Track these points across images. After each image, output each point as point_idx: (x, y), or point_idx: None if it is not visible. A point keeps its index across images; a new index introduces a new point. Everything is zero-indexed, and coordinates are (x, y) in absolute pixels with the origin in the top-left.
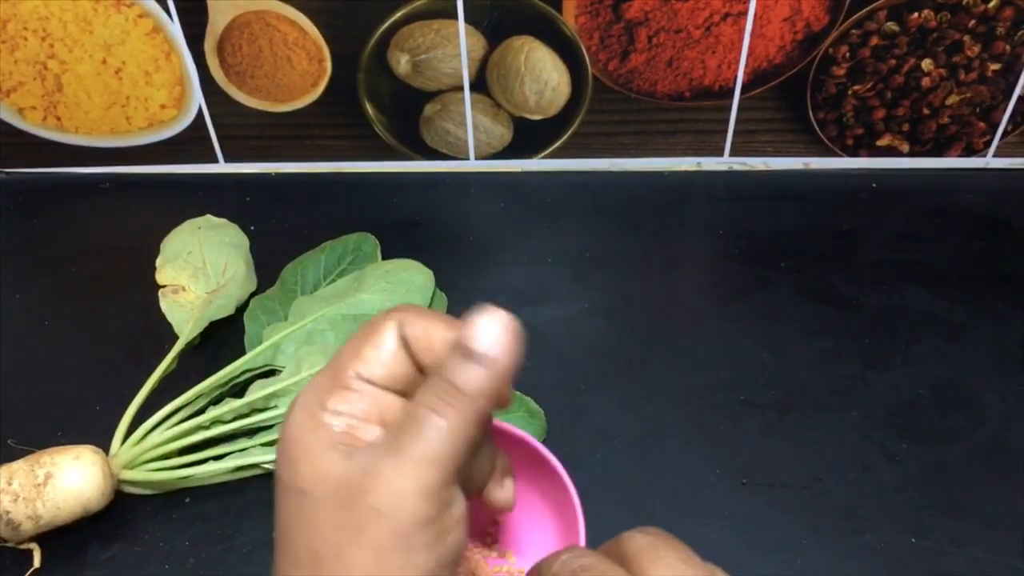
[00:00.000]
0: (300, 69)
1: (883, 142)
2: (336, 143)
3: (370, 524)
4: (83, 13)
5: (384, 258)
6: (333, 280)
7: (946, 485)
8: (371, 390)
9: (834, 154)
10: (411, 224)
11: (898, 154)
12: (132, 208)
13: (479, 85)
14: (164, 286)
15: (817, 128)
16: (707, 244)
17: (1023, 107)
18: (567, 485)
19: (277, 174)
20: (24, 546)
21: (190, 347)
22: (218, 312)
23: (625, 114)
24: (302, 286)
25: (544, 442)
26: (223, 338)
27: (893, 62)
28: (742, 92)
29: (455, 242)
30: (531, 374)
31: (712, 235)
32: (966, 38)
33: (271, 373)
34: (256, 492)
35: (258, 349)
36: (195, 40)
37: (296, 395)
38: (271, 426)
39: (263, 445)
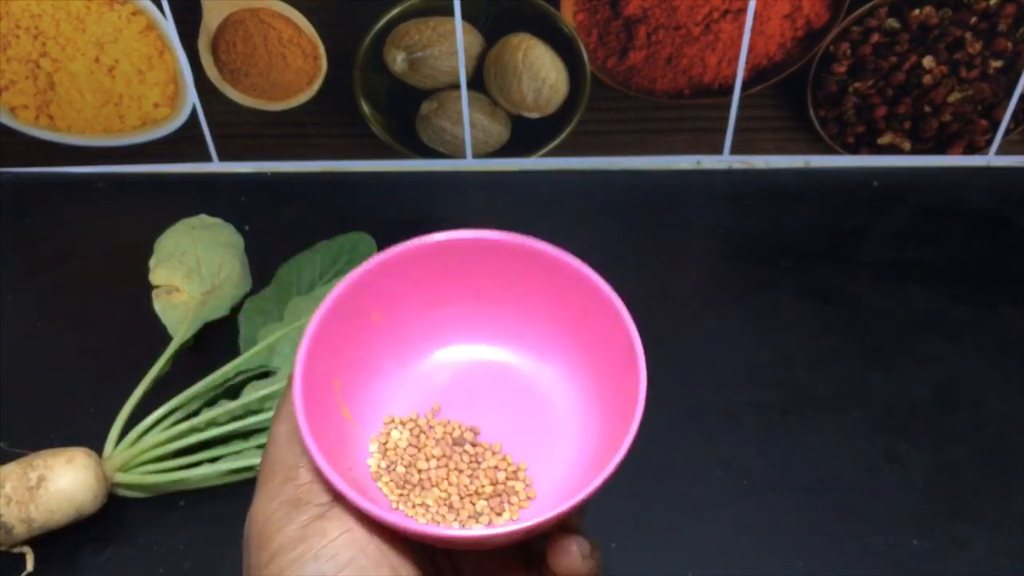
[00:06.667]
0: (295, 67)
1: (884, 140)
2: (332, 142)
3: None
4: (76, 11)
5: None
6: (329, 280)
7: (948, 486)
8: None
9: (835, 152)
10: (408, 224)
11: (899, 152)
12: (125, 208)
13: (476, 83)
14: (158, 286)
15: (818, 126)
16: (707, 243)
17: None
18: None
19: (272, 173)
20: (17, 549)
21: (184, 348)
22: (212, 313)
23: (624, 112)
24: (297, 286)
25: None
26: (218, 339)
27: (894, 59)
28: (742, 90)
29: None
30: None
31: (712, 234)
32: (967, 35)
33: (266, 375)
34: (251, 495)
35: (253, 350)
36: (189, 38)
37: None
38: (266, 428)
39: (258, 447)
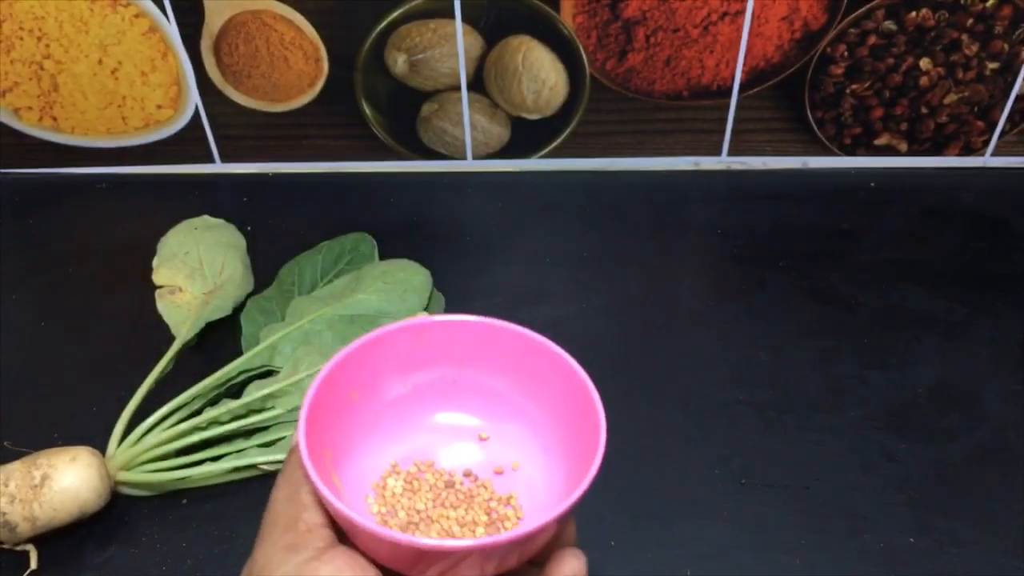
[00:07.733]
0: (297, 69)
1: (881, 141)
2: (333, 143)
3: None
4: (79, 13)
5: (381, 258)
6: (330, 280)
7: (945, 484)
8: None
9: (832, 153)
10: (409, 224)
11: (896, 153)
12: (128, 208)
13: (476, 85)
14: (161, 287)
15: (815, 127)
16: (705, 244)
17: (1021, 106)
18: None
19: (274, 174)
20: (21, 548)
21: (187, 348)
22: (215, 313)
23: (623, 113)
24: (299, 287)
25: None
26: (220, 339)
27: (891, 61)
28: (740, 91)
29: (453, 242)
30: None
31: (710, 235)
32: (964, 37)
33: (268, 374)
34: (253, 493)
35: (255, 350)
36: (191, 40)
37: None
38: (268, 427)
39: (260, 446)
